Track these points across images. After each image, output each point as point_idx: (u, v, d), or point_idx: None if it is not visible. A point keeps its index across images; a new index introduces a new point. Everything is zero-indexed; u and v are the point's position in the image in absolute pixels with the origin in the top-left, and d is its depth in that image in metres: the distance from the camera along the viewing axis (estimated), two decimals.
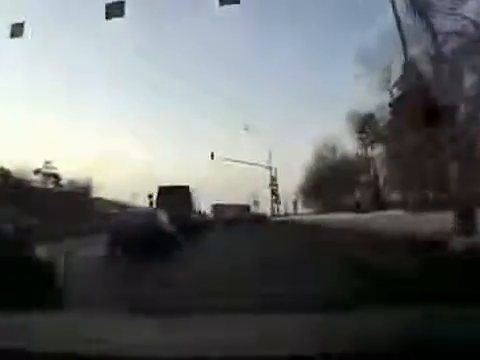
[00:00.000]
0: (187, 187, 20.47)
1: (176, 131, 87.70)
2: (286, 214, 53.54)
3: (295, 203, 56.46)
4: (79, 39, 75.04)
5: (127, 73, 78.83)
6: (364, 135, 45.58)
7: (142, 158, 76.56)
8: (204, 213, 31.40)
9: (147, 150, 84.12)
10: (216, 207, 50.24)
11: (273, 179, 45.78)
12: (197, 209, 24.18)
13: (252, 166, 47.69)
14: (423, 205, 23.59)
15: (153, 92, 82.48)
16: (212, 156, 42.37)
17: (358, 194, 41.64)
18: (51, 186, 43.96)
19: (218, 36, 75.63)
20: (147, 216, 13.67)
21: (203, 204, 50.14)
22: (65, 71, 73.21)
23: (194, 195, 22.95)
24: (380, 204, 32.57)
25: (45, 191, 41.05)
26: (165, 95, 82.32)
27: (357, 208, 35.49)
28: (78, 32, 72.90)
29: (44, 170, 43.17)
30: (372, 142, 42.67)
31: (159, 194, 20.14)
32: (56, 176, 43.45)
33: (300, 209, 56.96)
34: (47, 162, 43.10)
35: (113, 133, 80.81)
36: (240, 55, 78.32)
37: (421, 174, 28.48)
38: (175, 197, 18.72)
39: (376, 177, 38.41)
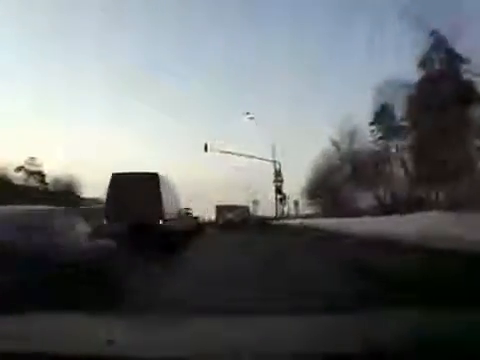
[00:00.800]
0: (155, 175, 13.22)
1: (169, 121, 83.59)
2: (288, 215, 46.86)
3: (296, 203, 48.99)
4: (64, 38, 71.56)
5: (114, 59, 75.17)
6: (380, 126, 41.05)
7: (137, 153, 72.67)
8: (189, 214, 25.89)
9: (143, 145, 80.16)
10: (218, 208, 46.70)
11: (278, 174, 40.86)
12: (177, 209, 16.67)
13: (252, 159, 43.01)
14: (460, 203, 19.46)
15: (146, 83, 78.56)
16: (206, 148, 37.89)
17: (381, 192, 35.79)
18: (37, 184, 40.47)
19: (214, 17, 71.73)
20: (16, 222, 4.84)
21: (197, 203, 45.58)
22: (51, 69, 69.69)
23: (175, 188, 16.52)
24: (410, 203, 27.78)
25: (28, 189, 37.89)
26: (159, 86, 78.26)
27: (385, 208, 30.48)
28: (63, 32, 69.78)
29: (27, 167, 39.63)
30: (394, 131, 37.97)
31: (110, 185, 12.98)
32: (41, 174, 39.88)
33: (304, 210, 49.33)
34: (31, 158, 39.54)
35: (104, 129, 77.27)
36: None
37: (453, 167, 24.46)
38: (135, 190, 12.37)
39: (402, 171, 33.47)
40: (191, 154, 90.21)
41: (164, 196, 13.23)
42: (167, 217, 13.08)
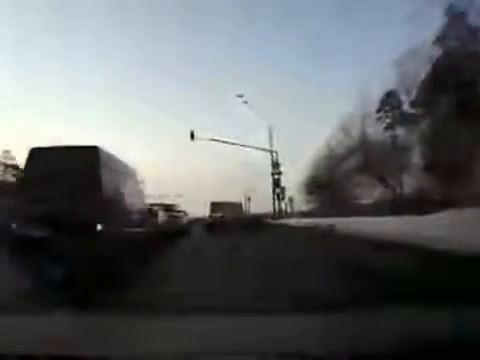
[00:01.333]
0: (92, 150, 8.27)
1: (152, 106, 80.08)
2: (286, 213, 41.87)
3: (291, 200, 43.64)
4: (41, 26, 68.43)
5: (91, 38, 71.89)
6: (387, 113, 37.77)
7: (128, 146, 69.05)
8: (176, 211, 22.67)
9: (137, 140, 76.68)
10: (212, 205, 43.73)
11: (276, 164, 36.37)
12: (138, 204, 10.96)
13: (245, 149, 39.33)
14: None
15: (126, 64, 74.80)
16: (192, 136, 33.87)
17: (395, 187, 31.75)
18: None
19: None
20: None
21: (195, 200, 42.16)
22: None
23: (134, 174, 11.07)
24: (423, 203, 24.11)
25: (6, 184, 34.85)
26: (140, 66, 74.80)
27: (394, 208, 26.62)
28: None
29: (3, 160, 36.60)
30: (403, 118, 34.55)
31: (26, 167, 8.37)
32: (16, 167, 36.72)
33: (299, 207, 44.99)
34: (5, 151, 36.49)
35: (77, 116, 73.92)
36: None
37: (471, 157, 21.32)
38: (61, 174, 7.67)
39: (411, 166, 29.93)
40: (188, 148, 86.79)
41: (108, 183, 8.32)
42: (115, 217, 8.41)
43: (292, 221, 32.31)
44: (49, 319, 1.99)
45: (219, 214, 30.99)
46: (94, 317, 2.17)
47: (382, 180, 30.47)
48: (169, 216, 18.77)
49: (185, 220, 26.96)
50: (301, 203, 43.56)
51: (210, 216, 38.37)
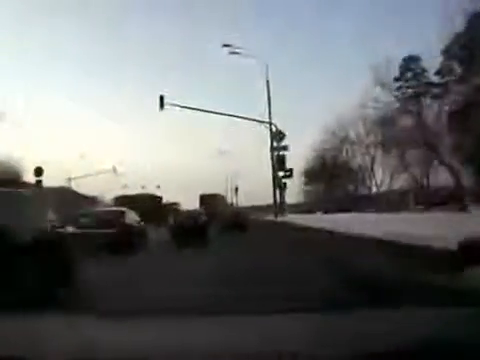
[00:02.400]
0: None
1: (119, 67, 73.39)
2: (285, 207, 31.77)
3: (283, 187, 34.50)
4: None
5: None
6: (408, 83, 32.50)
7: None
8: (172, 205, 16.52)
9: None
10: (201, 197, 38.83)
11: (279, 136, 27.34)
12: None
13: (232, 119, 32.78)
14: None
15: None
16: (162, 102, 26.51)
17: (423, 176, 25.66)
18: None
19: None
20: None
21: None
22: None
23: None
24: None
25: None
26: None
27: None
28: None
29: None
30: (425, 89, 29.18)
31: None
32: None
33: (290, 198, 36.46)
34: None
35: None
36: None
37: None
38: None
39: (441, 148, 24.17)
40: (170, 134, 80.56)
41: None
42: None
43: (304, 218, 23.46)
44: None
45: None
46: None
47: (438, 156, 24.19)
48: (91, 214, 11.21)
49: (133, 220, 15.04)
50: (295, 193, 36.83)
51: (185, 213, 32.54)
